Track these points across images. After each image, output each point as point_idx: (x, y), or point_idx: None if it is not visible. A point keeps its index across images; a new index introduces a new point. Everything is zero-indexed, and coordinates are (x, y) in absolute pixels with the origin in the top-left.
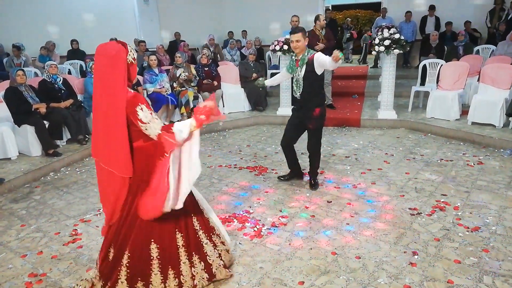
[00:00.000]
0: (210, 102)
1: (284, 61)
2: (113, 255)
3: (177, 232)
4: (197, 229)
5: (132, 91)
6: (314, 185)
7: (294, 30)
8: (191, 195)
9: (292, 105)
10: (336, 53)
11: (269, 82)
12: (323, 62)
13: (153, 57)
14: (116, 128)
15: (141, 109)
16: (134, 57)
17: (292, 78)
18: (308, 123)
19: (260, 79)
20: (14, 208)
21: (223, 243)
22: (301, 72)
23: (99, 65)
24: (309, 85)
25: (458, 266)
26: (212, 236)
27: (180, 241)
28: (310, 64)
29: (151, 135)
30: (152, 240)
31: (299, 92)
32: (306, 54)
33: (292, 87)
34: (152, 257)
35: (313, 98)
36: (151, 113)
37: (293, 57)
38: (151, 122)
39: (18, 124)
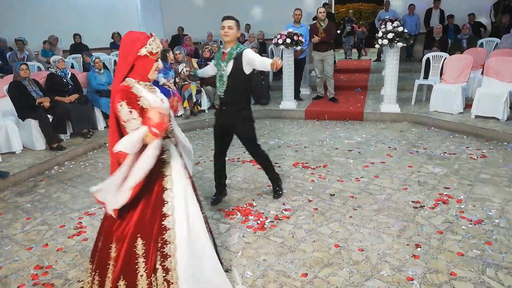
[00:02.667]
0: (158, 109)
1: (287, 55)
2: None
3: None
4: (138, 255)
5: (128, 83)
6: (276, 192)
7: (228, 16)
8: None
9: (215, 106)
10: (277, 60)
11: (200, 72)
12: (252, 60)
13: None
14: (111, 117)
15: (121, 105)
16: (151, 51)
17: (215, 75)
18: (235, 131)
19: (193, 69)
20: (19, 201)
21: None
22: (227, 68)
23: (119, 52)
24: (235, 85)
25: (461, 259)
26: (155, 273)
27: (113, 253)
28: (238, 60)
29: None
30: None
31: (223, 90)
32: (235, 48)
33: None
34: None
35: (238, 100)
36: (130, 111)
37: (221, 49)
38: (129, 121)
39: (22, 118)
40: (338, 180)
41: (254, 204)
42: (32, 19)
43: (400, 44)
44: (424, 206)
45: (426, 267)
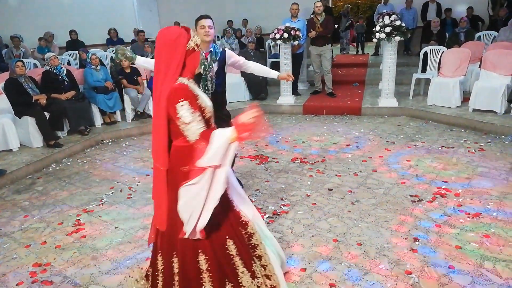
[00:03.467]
0: (254, 113)
1: (284, 50)
2: (162, 265)
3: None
4: (233, 255)
5: (184, 82)
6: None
7: (206, 15)
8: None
9: None
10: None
11: (142, 61)
12: (237, 63)
13: None
14: (158, 120)
15: (182, 105)
16: (197, 43)
17: (196, 75)
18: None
19: (126, 49)
20: (17, 199)
21: (268, 276)
22: (213, 68)
23: (158, 51)
24: (219, 84)
25: (459, 252)
26: (254, 265)
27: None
28: (222, 60)
29: (189, 137)
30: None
31: (212, 91)
32: (216, 47)
33: (199, 86)
34: (201, 270)
35: (221, 100)
36: (193, 112)
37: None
38: (192, 123)
39: (18, 116)
40: (336, 175)
41: (253, 199)
42: (27, 16)
43: (397, 38)
44: (422, 199)
45: (424, 260)
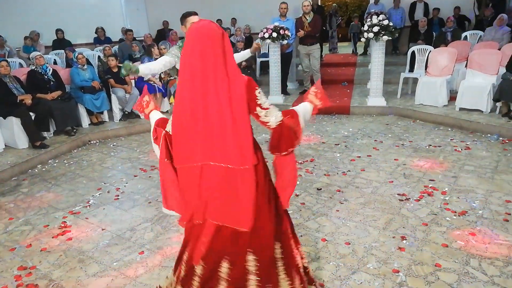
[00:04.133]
0: (317, 89)
1: (273, 49)
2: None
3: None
4: (278, 258)
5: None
6: None
7: (194, 12)
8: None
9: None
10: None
11: (142, 72)
12: None
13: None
14: (239, 116)
15: (259, 92)
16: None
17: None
18: None
19: (131, 64)
20: (1, 201)
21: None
22: None
23: (205, 47)
24: None
25: (445, 250)
26: (293, 272)
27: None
28: None
29: (270, 122)
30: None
31: None
32: None
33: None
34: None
35: None
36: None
37: (181, 44)
38: (271, 107)
39: (3, 116)
40: (325, 174)
41: None
42: (12, 14)
43: (385, 38)
44: (410, 198)
45: (412, 259)
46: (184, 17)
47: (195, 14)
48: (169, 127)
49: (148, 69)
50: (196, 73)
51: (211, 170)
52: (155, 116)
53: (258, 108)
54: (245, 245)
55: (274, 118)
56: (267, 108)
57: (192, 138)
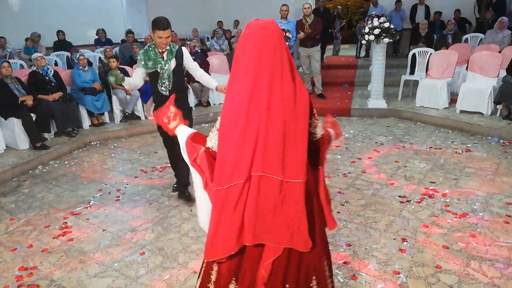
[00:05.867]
0: (331, 119)
1: None
2: None
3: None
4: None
5: None
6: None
7: (166, 25)
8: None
9: (157, 107)
10: (223, 89)
11: (127, 84)
12: (190, 66)
13: None
14: (300, 127)
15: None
16: None
17: (152, 75)
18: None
19: (119, 73)
20: (2, 202)
21: None
22: (170, 64)
23: (274, 43)
24: (178, 80)
25: (446, 252)
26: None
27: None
28: (179, 57)
29: (317, 134)
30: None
31: (168, 87)
32: (171, 46)
33: (157, 85)
34: None
35: (182, 96)
36: None
37: (154, 49)
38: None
39: (4, 117)
40: (325, 176)
41: None
42: (13, 16)
43: (386, 40)
44: (410, 200)
45: (412, 260)
46: (153, 28)
47: (164, 28)
48: (210, 143)
49: (129, 84)
50: (262, 78)
51: (262, 185)
52: (186, 130)
53: (313, 119)
54: (305, 268)
55: (319, 130)
56: (317, 120)
57: (248, 150)
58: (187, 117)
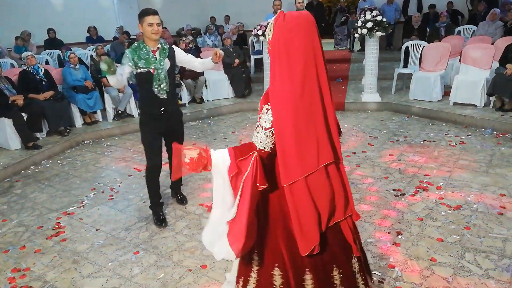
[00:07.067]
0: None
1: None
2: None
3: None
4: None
5: None
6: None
7: (152, 11)
8: None
9: (149, 112)
10: (216, 51)
11: (114, 79)
12: (186, 60)
13: None
14: (333, 111)
15: None
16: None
17: (143, 76)
18: (178, 130)
19: (114, 65)
20: None
21: None
22: (165, 65)
23: (316, 36)
24: (171, 82)
25: (440, 244)
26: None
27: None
28: (172, 56)
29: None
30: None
31: (166, 90)
32: (163, 44)
33: (152, 87)
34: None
35: (174, 98)
36: None
37: (145, 47)
38: None
39: None
40: None
41: None
42: (3, 14)
43: (379, 33)
44: (405, 193)
45: (407, 254)
46: (141, 15)
47: (154, 13)
48: (261, 144)
49: (116, 80)
50: (310, 67)
51: (330, 170)
52: (221, 153)
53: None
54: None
55: None
56: None
57: (312, 140)
58: (180, 124)
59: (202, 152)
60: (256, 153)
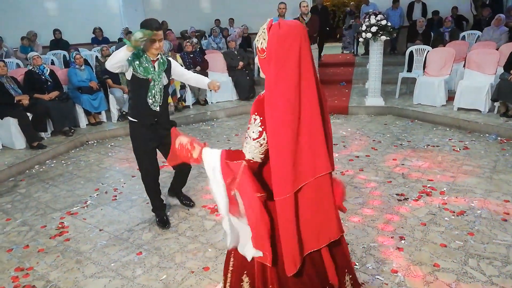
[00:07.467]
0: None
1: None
2: None
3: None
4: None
5: None
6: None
7: (156, 26)
8: None
9: (140, 121)
10: (214, 83)
11: (122, 57)
12: (181, 74)
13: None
14: (328, 119)
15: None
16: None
17: (139, 82)
18: (165, 140)
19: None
20: None
21: None
22: (163, 78)
23: (310, 45)
24: (165, 94)
25: (444, 250)
26: None
27: None
28: (168, 70)
29: None
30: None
31: (159, 103)
32: (162, 56)
33: (146, 97)
34: None
35: (166, 109)
36: None
37: (144, 56)
38: None
39: (0, 117)
40: None
41: None
42: (9, 15)
43: (383, 38)
44: (408, 198)
45: (410, 259)
46: (143, 27)
47: (157, 29)
48: (249, 154)
49: (127, 57)
50: (307, 75)
51: (320, 182)
52: (213, 152)
53: None
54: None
55: None
56: None
57: (306, 151)
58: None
59: (193, 141)
60: (244, 162)
